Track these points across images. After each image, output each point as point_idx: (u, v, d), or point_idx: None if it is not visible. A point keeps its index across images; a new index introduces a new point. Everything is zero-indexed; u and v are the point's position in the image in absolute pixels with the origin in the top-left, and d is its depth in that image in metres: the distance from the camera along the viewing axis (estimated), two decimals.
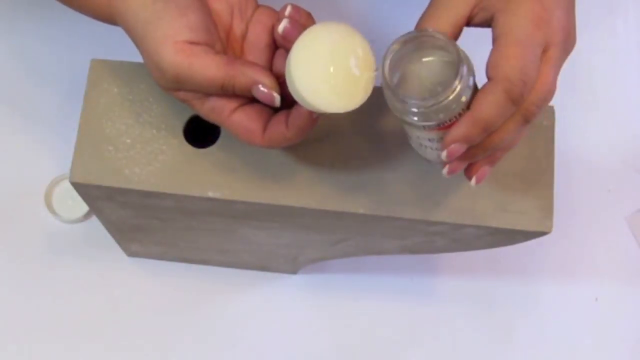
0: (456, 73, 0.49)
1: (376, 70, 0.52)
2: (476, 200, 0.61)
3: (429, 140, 0.53)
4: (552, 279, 0.86)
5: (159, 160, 0.60)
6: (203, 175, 0.60)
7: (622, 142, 0.91)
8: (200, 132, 0.62)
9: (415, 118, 0.50)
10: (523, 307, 0.85)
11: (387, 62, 0.50)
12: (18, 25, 0.88)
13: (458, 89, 0.49)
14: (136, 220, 0.70)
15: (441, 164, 0.54)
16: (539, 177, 0.62)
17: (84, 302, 0.83)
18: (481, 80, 0.51)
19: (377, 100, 0.52)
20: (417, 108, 0.50)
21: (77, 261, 0.84)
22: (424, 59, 0.52)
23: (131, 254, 0.84)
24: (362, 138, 0.61)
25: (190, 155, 0.60)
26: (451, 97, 0.49)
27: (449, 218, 0.61)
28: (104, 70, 0.62)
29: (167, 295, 0.85)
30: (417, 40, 0.51)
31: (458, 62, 0.49)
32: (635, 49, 0.94)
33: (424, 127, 0.51)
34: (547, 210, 0.62)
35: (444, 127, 0.51)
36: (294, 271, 0.85)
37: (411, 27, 0.54)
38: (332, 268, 0.85)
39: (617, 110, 0.91)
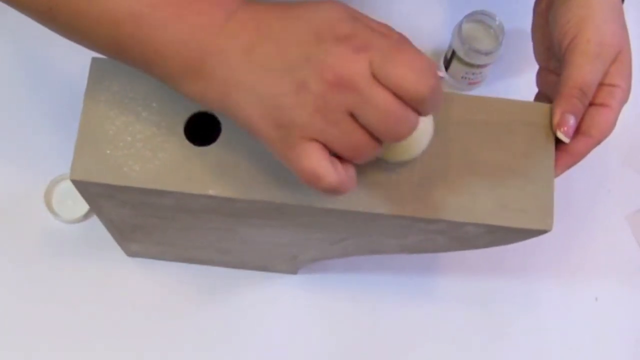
0: None
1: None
2: (476, 198, 0.61)
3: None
4: (552, 279, 0.86)
5: (159, 158, 0.60)
6: (203, 173, 0.60)
7: (622, 142, 0.91)
8: (201, 130, 0.62)
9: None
10: (523, 307, 0.85)
11: None
12: (18, 25, 0.88)
13: None
14: (136, 219, 0.70)
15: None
16: (538, 175, 0.62)
17: (84, 302, 0.83)
18: None
19: None
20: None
21: (77, 261, 0.84)
22: None
23: (131, 254, 0.84)
24: None
25: (190, 153, 0.60)
26: None
27: (449, 216, 0.61)
28: (105, 68, 0.62)
29: (167, 295, 0.85)
30: None
31: None
32: (635, 48, 0.94)
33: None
34: (547, 208, 0.62)
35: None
36: (294, 271, 0.85)
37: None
38: (332, 268, 0.86)
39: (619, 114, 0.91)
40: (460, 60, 0.87)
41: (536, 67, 0.72)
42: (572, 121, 0.63)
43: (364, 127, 0.52)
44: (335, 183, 0.52)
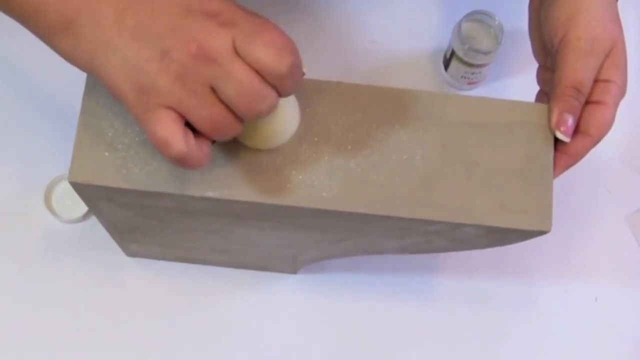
0: None
1: None
2: (475, 199, 0.61)
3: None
4: (552, 279, 0.86)
5: (158, 160, 0.60)
6: (202, 175, 0.60)
7: (622, 142, 0.91)
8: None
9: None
10: (523, 307, 0.85)
11: None
12: (18, 24, 0.88)
13: None
14: (135, 220, 0.70)
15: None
16: (537, 176, 0.62)
17: (83, 302, 0.83)
18: None
19: None
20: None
21: (77, 261, 0.84)
22: None
23: (131, 254, 0.84)
24: (361, 138, 0.61)
25: None
26: None
27: (448, 217, 0.61)
28: None
29: (167, 295, 0.85)
30: None
31: None
32: (635, 48, 0.94)
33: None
34: (546, 209, 0.62)
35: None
36: (294, 271, 0.85)
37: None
38: (332, 268, 0.86)
39: (617, 110, 0.91)
40: (460, 59, 0.87)
41: (536, 66, 0.72)
42: (570, 120, 0.63)
43: (224, 102, 0.53)
44: (184, 153, 0.53)
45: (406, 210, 0.60)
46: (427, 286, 0.86)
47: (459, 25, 0.86)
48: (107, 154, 0.60)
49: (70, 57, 0.56)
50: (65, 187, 0.85)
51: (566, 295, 0.86)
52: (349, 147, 0.61)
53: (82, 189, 0.61)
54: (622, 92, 0.66)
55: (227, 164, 0.60)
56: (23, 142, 0.87)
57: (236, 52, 0.52)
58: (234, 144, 0.60)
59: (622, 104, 0.82)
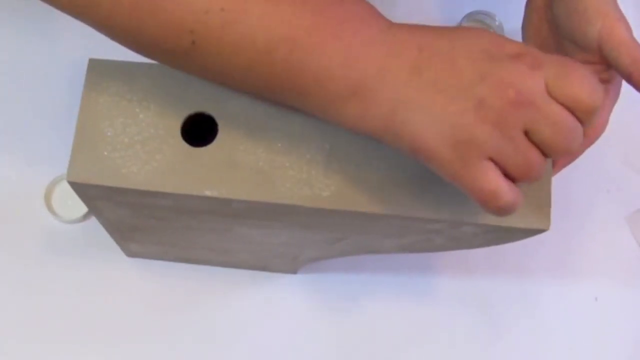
0: None
1: None
2: None
3: None
4: (551, 278, 0.86)
5: (157, 160, 0.60)
6: (201, 174, 0.60)
7: (622, 142, 0.91)
8: (198, 131, 0.62)
9: None
10: (522, 307, 0.85)
11: None
12: (17, 24, 0.88)
13: None
14: (134, 220, 0.70)
15: None
16: None
17: (83, 302, 0.83)
18: None
19: None
20: None
21: (77, 261, 0.84)
22: None
23: (131, 254, 0.84)
24: (359, 137, 0.61)
25: (188, 154, 0.60)
26: None
27: (447, 216, 0.61)
28: (102, 69, 0.62)
29: (167, 295, 0.85)
30: None
31: None
32: None
33: None
34: (545, 207, 0.62)
35: None
36: (293, 271, 0.85)
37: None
38: (332, 268, 0.86)
39: (617, 110, 0.91)
40: None
41: None
42: None
43: (536, 145, 0.52)
44: (512, 201, 0.52)
45: (404, 209, 0.60)
46: (427, 286, 0.86)
47: (459, 25, 0.86)
48: (105, 153, 0.60)
49: (360, 122, 0.53)
50: (65, 187, 0.85)
51: (566, 295, 0.86)
52: (348, 146, 0.61)
53: (81, 189, 0.62)
54: (618, 93, 0.67)
55: (226, 164, 0.61)
56: (23, 142, 0.87)
57: (549, 93, 0.51)
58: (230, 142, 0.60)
59: (622, 104, 0.82)
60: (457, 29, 0.54)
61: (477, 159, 0.51)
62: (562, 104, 0.51)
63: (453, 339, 0.84)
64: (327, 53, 0.52)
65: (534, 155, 0.52)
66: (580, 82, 0.51)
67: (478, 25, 0.89)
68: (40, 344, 0.82)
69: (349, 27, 0.52)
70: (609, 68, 0.66)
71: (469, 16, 0.88)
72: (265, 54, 0.52)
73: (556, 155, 0.52)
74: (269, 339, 0.84)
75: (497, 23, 0.87)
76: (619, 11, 0.64)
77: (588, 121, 0.52)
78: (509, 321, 0.85)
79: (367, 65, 0.52)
